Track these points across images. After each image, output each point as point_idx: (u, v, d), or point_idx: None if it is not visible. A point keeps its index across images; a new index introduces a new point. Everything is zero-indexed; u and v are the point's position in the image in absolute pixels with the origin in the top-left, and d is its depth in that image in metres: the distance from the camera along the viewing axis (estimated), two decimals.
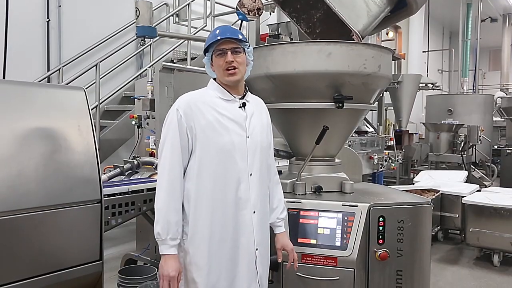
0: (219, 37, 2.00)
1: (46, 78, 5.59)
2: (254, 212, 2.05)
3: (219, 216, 1.99)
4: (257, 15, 3.30)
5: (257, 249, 2.06)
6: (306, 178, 2.73)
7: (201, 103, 2.01)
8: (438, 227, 5.70)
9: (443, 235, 5.96)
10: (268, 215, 2.19)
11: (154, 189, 2.95)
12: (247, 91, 2.14)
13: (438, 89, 9.75)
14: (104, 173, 3.62)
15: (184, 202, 2.00)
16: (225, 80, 2.03)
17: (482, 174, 8.60)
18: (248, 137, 2.05)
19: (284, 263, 2.39)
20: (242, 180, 2.01)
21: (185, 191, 2.00)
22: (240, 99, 2.08)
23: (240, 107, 2.06)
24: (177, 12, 7.41)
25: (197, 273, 1.97)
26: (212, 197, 1.99)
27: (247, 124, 2.06)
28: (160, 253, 1.95)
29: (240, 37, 2.03)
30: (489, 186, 7.06)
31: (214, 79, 2.11)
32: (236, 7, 3.29)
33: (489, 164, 9.45)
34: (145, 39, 5.41)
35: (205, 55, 2.09)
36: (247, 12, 3.25)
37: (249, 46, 2.10)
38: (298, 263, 2.33)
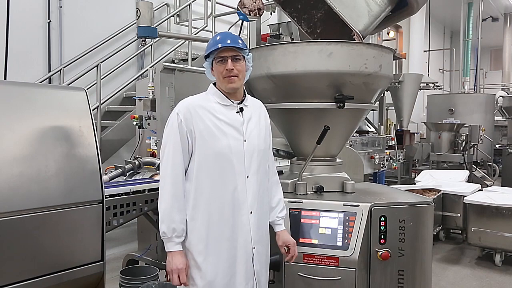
0: (219, 45, 2.04)
1: (47, 79, 5.60)
2: (251, 212, 2.10)
3: (216, 217, 2.05)
4: (257, 15, 3.29)
5: (254, 248, 2.11)
6: (308, 178, 2.73)
7: (199, 108, 2.08)
8: (440, 227, 5.70)
9: (445, 234, 5.95)
10: (267, 215, 2.23)
11: (155, 189, 2.96)
12: (245, 96, 2.19)
13: (439, 89, 9.72)
14: (106, 174, 3.62)
15: (185, 203, 2.07)
16: (225, 87, 2.10)
17: (484, 174, 8.59)
18: (245, 141, 2.11)
19: (286, 262, 2.39)
20: (238, 182, 2.07)
21: (185, 192, 2.07)
22: (238, 103, 2.14)
23: (237, 112, 2.12)
24: (178, 13, 7.41)
25: (195, 271, 2.05)
26: (209, 198, 2.05)
27: (244, 128, 2.12)
28: (166, 251, 2.03)
29: (241, 44, 2.08)
30: (490, 186, 7.04)
31: (214, 83, 2.17)
32: (237, 7, 3.29)
33: (490, 163, 9.44)
34: (146, 40, 5.42)
35: (206, 60, 2.14)
36: (248, 12, 3.25)
37: (248, 53, 2.15)
38: (300, 263, 2.35)
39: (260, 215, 2.16)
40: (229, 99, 2.12)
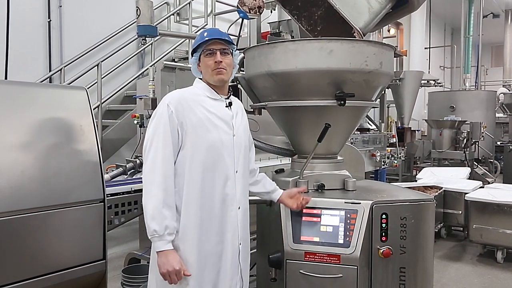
0: (207, 38, 2.06)
1: (48, 78, 5.61)
2: (239, 208, 2.11)
3: (207, 212, 2.03)
4: (258, 13, 3.28)
5: (240, 244, 2.12)
6: (309, 176, 2.73)
7: (190, 100, 2.06)
8: (441, 224, 5.69)
9: (446, 232, 5.95)
10: (248, 212, 2.25)
11: None
12: (231, 92, 2.21)
13: (440, 86, 9.70)
14: (107, 173, 3.62)
15: (175, 198, 2.01)
16: (213, 80, 2.09)
17: (485, 171, 8.58)
18: (234, 135, 2.12)
19: (287, 260, 2.39)
20: (229, 176, 2.08)
21: (176, 187, 2.02)
22: (225, 99, 2.15)
23: (226, 106, 2.13)
24: (178, 11, 7.41)
25: (187, 268, 1.98)
26: (201, 193, 2.02)
27: (234, 122, 2.13)
28: (157, 250, 1.94)
29: (228, 39, 2.09)
30: (492, 183, 7.04)
31: (200, 79, 2.17)
32: (237, 6, 3.28)
33: (492, 160, 9.43)
34: (146, 38, 5.43)
35: (192, 55, 2.15)
36: (248, 10, 3.24)
37: (235, 49, 2.16)
38: (301, 260, 2.36)
39: (246, 212, 2.18)
40: (218, 93, 2.13)
